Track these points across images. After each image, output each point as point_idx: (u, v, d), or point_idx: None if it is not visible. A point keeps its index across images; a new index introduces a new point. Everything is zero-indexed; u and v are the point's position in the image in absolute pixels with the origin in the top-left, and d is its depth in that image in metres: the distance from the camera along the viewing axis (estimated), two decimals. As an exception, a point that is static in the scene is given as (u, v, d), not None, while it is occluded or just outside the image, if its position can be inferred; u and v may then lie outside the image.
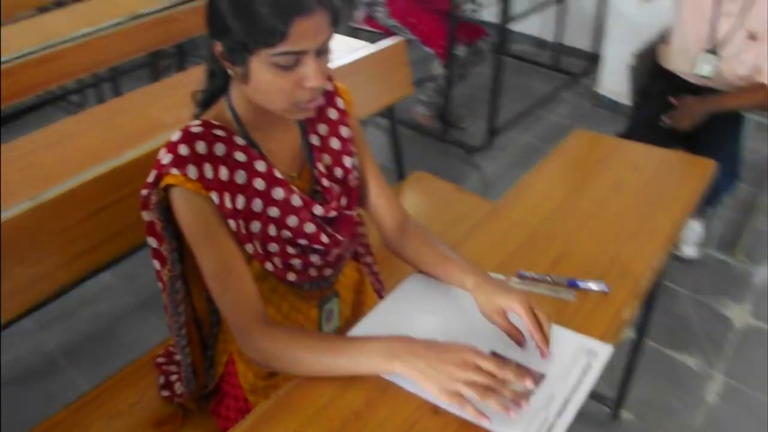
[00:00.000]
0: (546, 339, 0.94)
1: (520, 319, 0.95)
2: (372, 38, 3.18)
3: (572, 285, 1.08)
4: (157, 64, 3.02)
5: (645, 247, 1.16)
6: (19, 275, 1.26)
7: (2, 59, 2.01)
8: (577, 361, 0.94)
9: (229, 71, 0.96)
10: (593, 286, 1.07)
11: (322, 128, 1.12)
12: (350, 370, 0.93)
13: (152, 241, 1.06)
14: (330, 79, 1.15)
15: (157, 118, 1.70)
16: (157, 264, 1.09)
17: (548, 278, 1.10)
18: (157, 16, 2.45)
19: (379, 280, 1.40)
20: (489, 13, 3.13)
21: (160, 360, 1.37)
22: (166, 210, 1.02)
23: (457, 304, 1.06)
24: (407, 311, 1.07)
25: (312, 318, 1.21)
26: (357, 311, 1.33)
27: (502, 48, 2.98)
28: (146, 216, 1.03)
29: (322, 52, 0.94)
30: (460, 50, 2.98)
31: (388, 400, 0.90)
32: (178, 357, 1.24)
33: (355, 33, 3.27)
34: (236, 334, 1.02)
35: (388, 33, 3.16)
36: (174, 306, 1.15)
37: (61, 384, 2.05)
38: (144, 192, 1.00)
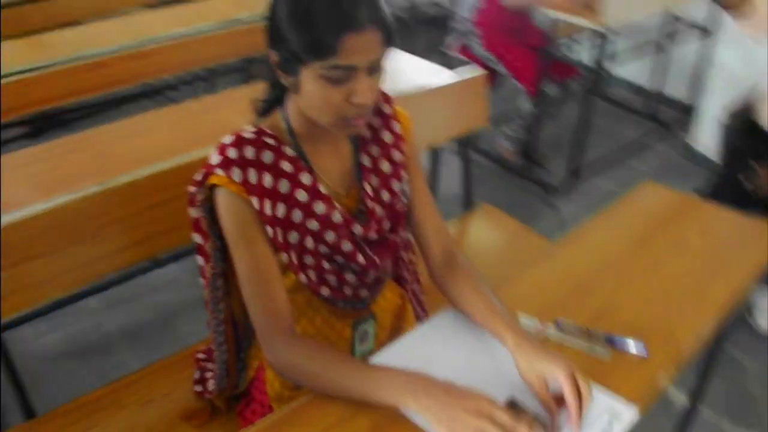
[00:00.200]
0: (581, 412, 0.89)
1: (561, 387, 0.90)
2: (452, 65, 3.20)
3: (610, 341, 1.03)
4: (249, 70, 3.13)
5: (695, 313, 1.09)
6: (79, 254, 1.33)
7: (99, 52, 2.15)
8: (598, 420, 0.89)
9: (283, 81, 0.98)
10: (632, 346, 1.01)
11: (375, 150, 1.12)
12: (364, 397, 0.93)
13: (197, 238, 1.10)
14: (389, 101, 1.15)
15: (233, 121, 1.75)
16: (200, 260, 1.13)
17: (586, 331, 1.05)
18: (253, 25, 2.55)
19: (424, 308, 1.38)
20: (586, 54, 3.07)
21: (200, 356, 1.40)
22: (211, 209, 1.05)
23: (487, 346, 1.03)
24: (435, 345, 1.06)
25: (345, 337, 1.21)
26: (394, 337, 1.31)
27: (593, 89, 2.91)
28: (193, 212, 1.06)
29: (375, 70, 0.94)
30: (550, 88, 2.93)
31: (395, 430, 0.89)
32: (215, 355, 1.27)
33: (449, 61, 3.28)
34: (261, 339, 1.03)
35: (480, 64, 3.15)
36: (215, 303, 1.18)
37: (114, 364, 2.15)
38: (192, 189, 1.03)
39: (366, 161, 1.11)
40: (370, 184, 1.11)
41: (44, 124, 3.43)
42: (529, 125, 3.09)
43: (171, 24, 2.64)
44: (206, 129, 1.72)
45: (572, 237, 1.35)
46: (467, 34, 3.12)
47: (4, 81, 2.14)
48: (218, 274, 1.13)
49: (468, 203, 2.08)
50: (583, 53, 3.07)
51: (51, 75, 2.23)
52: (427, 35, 4.35)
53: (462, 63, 3.22)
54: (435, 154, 2.07)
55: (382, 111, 1.13)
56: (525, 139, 3.18)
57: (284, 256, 1.05)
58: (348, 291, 1.15)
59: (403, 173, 1.14)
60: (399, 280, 1.37)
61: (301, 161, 1.04)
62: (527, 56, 2.94)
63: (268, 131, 1.03)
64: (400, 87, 2.05)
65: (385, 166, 1.12)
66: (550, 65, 2.87)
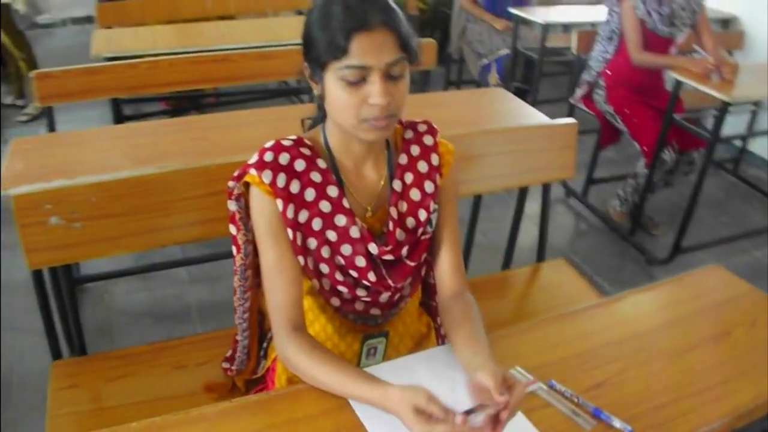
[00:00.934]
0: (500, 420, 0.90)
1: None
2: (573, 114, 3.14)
3: (597, 414, 0.99)
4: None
5: (703, 412, 1.01)
6: (148, 220, 1.48)
7: (225, 48, 2.35)
8: None
9: (315, 91, 1.05)
10: (617, 424, 0.98)
11: (409, 177, 1.16)
12: (347, 396, 1.00)
13: (232, 229, 1.19)
14: (433, 133, 1.19)
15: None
16: (234, 250, 1.22)
17: (576, 398, 1.02)
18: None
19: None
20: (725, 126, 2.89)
21: (238, 337, 1.51)
22: (246, 204, 1.14)
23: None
24: (424, 370, 1.07)
25: (354, 349, 1.25)
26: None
27: (720, 164, 2.74)
28: (230, 205, 1.15)
29: (393, 77, 0.99)
30: (669, 155, 2.79)
31: None
32: (238, 339, 1.36)
33: (572, 110, 3.23)
34: (273, 330, 1.11)
35: (601, 117, 3.08)
36: (241, 292, 1.27)
37: (183, 332, 2.31)
38: (230, 184, 1.12)
39: (397, 186, 1.15)
40: (396, 208, 1.15)
41: (180, 104, 3.78)
42: (641, 188, 2.96)
43: (294, 32, 2.83)
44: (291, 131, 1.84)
45: (611, 302, 1.31)
46: (593, 85, 3.06)
47: (151, 60, 2.40)
48: (247, 265, 1.22)
49: (540, 253, 2.04)
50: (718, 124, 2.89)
51: (192, 60, 2.47)
52: (555, 81, 4.30)
53: (584, 113, 3.16)
54: (522, 195, 2.04)
55: (424, 141, 1.17)
56: (635, 202, 3.05)
57: (301, 259, 1.11)
58: (359, 306, 1.19)
59: (432, 204, 1.17)
60: (429, 309, 1.40)
61: (332, 174, 1.11)
62: (649, 118, 2.83)
63: (307, 142, 1.11)
64: (491, 123, 2.08)
65: (415, 195, 1.16)
66: (672, 131, 2.74)
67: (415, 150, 1.17)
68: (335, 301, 1.17)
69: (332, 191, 1.10)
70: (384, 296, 1.19)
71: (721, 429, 1.01)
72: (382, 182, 1.16)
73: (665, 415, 1.01)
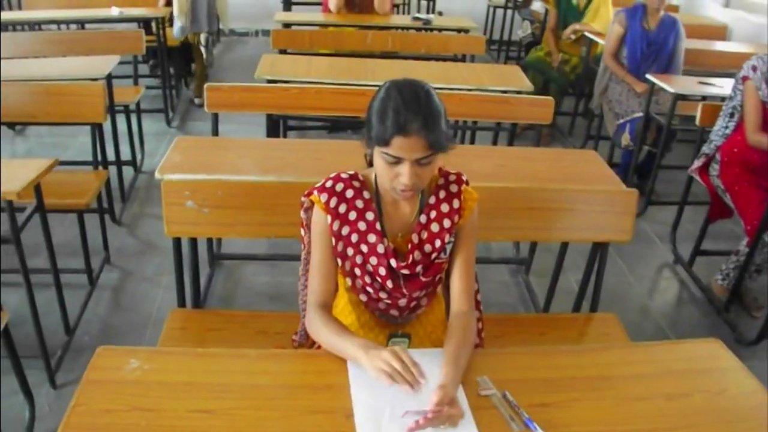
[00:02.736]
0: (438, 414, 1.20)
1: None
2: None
3: (527, 423, 1.26)
4: (497, 132, 3.58)
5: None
6: (256, 215, 1.93)
7: (368, 84, 2.76)
8: None
9: (366, 152, 1.42)
10: (540, 434, 1.24)
11: (433, 213, 1.50)
12: (345, 355, 1.34)
13: (302, 231, 1.59)
14: (459, 183, 1.51)
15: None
16: (302, 248, 1.63)
17: (518, 408, 1.29)
18: (496, 95, 2.98)
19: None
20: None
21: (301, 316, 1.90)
22: (310, 215, 1.53)
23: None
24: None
25: (379, 341, 1.60)
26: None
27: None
28: (301, 214, 1.56)
29: (422, 163, 1.34)
30: (772, 238, 2.81)
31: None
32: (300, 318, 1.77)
33: (691, 179, 3.31)
34: (307, 306, 1.50)
35: (712, 191, 3.14)
36: (304, 281, 1.67)
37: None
38: (302, 198, 1.53)
39: (422, 219, 1.49)
40: (418, 236, 1.49)
41: (339, 123, 4.33)
42: (742, 266, 2.98)
43: (438, 76, 3.21)
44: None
45: (597, 348, 1.52)
46: (711, 157, 3.12)
47: (302, 87, 2.92)
48: (308, 259, 1.61)
49: (593, 305, 2.23)
50: None
51: (338, 91, 2.94)
52: (688, 148, 4.27)
53: (697, 186, 3.23)
54: (595, 249, 2.23)
55: (450, 189, 1.50)
56: (737, 279, 3.06)
57: (339, 262, 1.49)
58: (382, 306, 1.55)
59: (447, 237, 1.49)
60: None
61: (372, 203, 1.47)
62: (757, 199, 2.86)
63: (360, 177, 1.49)
64: (565, 182, 2.31)
65: (435, 227, 1.49)
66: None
67: (442, 194, 1.50)
68: (363, 297, 1.54)
69: (369, 216, 1.47)
70: (402, 301, 1.53)
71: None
72: (414, 215, 1.51)
73: (586, 438, 1.24)
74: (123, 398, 1.21)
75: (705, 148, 3.15)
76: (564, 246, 2.64)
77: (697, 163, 3.20)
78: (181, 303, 2.07)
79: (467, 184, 1.54)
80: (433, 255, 1.50)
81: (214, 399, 1.23)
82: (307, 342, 1.77)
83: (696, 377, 1.44)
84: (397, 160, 1.33)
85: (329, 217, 1.46)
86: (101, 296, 2.87)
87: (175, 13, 4.70)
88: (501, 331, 2.05)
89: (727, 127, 3.02)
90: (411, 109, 1.30)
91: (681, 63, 4.11)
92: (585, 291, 2.27)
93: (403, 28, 4.73)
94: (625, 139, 4.02)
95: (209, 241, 3.08)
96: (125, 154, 3.81)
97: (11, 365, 2.00)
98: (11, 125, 4.52)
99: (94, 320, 2.72)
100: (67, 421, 1.15)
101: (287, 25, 4.44)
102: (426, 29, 4.73)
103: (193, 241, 2.00)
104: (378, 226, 1.48)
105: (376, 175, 1.48)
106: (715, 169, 3.07)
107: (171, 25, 4.86)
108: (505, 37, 7.08)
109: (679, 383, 1.40)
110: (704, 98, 3.58)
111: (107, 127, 3.14)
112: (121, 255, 3.19)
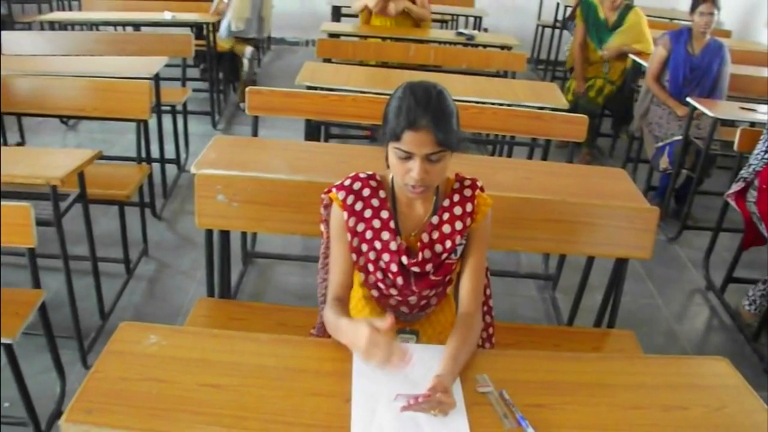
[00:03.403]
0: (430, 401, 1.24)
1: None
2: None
3: (520, 421, 1.29)
4: (532, 148, 3.60)
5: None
6: (284, 212, 2.01)
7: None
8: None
9: (384, 151, 1.49)
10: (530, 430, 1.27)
11: (445, 215, 1.55)
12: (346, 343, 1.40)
13: (322, 227, 1.67)
14: (473, 188, 1.56)
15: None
16: (322, 242, 1.70)
17: (513, 406, 1.33)
18: (529, 111, 3.01)
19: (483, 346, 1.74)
20: None
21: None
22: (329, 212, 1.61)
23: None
24: (416, 358, 1.44)
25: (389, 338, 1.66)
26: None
27: None
28: (321, 210, 1.64)
29: (432, 160, 1.39)
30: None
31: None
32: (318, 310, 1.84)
33: (725, 207, 3.28)
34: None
35: (747, 217, 3.10)
36: (322, 274, 1.74)
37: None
38: (322, 196, 1.60)
39: (434, 220, 1.55)
40: (429, 236, 1.54)
41: (374, 134, 4.43)
42: (770, 295, 2.94)
43: (473, 90, 3.26)
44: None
45: (601, 358, 1.54)
46: (749, 183, 3.08)
47: (339, 94, 3.01)
48: (326, 254, 1.69)
49: (610, 321, 2.24)
50: None
51: (373, 100, 3.01)
52: (718, 176, 4.21)
53: (733, 212, 3.19)
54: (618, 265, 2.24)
55: (464, 193, 1.56)
56: (765, 306, 3.01)
57: (354, 257, 1.56)
58: (392, 302, 1.61)
59: (458, 238, 1.55)
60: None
61: (387, 202, 1.54)
62: (791, 226, 2.82)
63: (377, 177, 1.55)
64: (590, 197, 2.33)
65: (447, 228, 1.55)
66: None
67: (456, 197, 1.56)
68: (375, 293, 1.60)
69: (384, 214, 1.53)
70: (412, 299, 1.59)
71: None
72: (427, 216, 1.56)
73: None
74: (138, 368, 1.30)
75: (743, 172, 3.11)
76: (589, 262, 2.64)
77: (735, 187, 3.16)
78: (210, 293, 2.17)
79: (482, 190, 1.59)
80: (444, 255, 1.56)
81: (223, 375, 1.31)
82: (324, 335, 1.83)
83: (696, 391, 1.45)
84: (408, 155, 1.39)
85: (346, 214, 1.53)
86: (137, 286, 3.01)
87: (231, 15, 4.87)
88: (515, 339, 2.08)
89: (767, 152, 2.98)
90: (422, 106, 1.36)
91: (725, 88, 4.06)
92: (606, 307, 2.27)
93: (446, 43, 4.80)
94: (664, 162, 3.99)
95: (243, 238, 3.19)
96: (170, 152, 3.97)
97: (47, 342, 2.13)
98: (63, 119, 4.76)
99: (128, 307, 2.85)
100: (86, 385, 1.24)
101: (334, 36, 4.56)
102: (469, 44, 4.79)
103: (225, 235, 2.10)
104: (392, 225, 1.54)
105: (393, 176, 1.55)
106: (753, 195, 3.03)
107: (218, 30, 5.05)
108: (552, 57, 7.08)
109: (677, 396, 1.42)
110: (752, 124, 3.53)
111: (153, 125, 3.29)
112: (159, 248, 3.33)
